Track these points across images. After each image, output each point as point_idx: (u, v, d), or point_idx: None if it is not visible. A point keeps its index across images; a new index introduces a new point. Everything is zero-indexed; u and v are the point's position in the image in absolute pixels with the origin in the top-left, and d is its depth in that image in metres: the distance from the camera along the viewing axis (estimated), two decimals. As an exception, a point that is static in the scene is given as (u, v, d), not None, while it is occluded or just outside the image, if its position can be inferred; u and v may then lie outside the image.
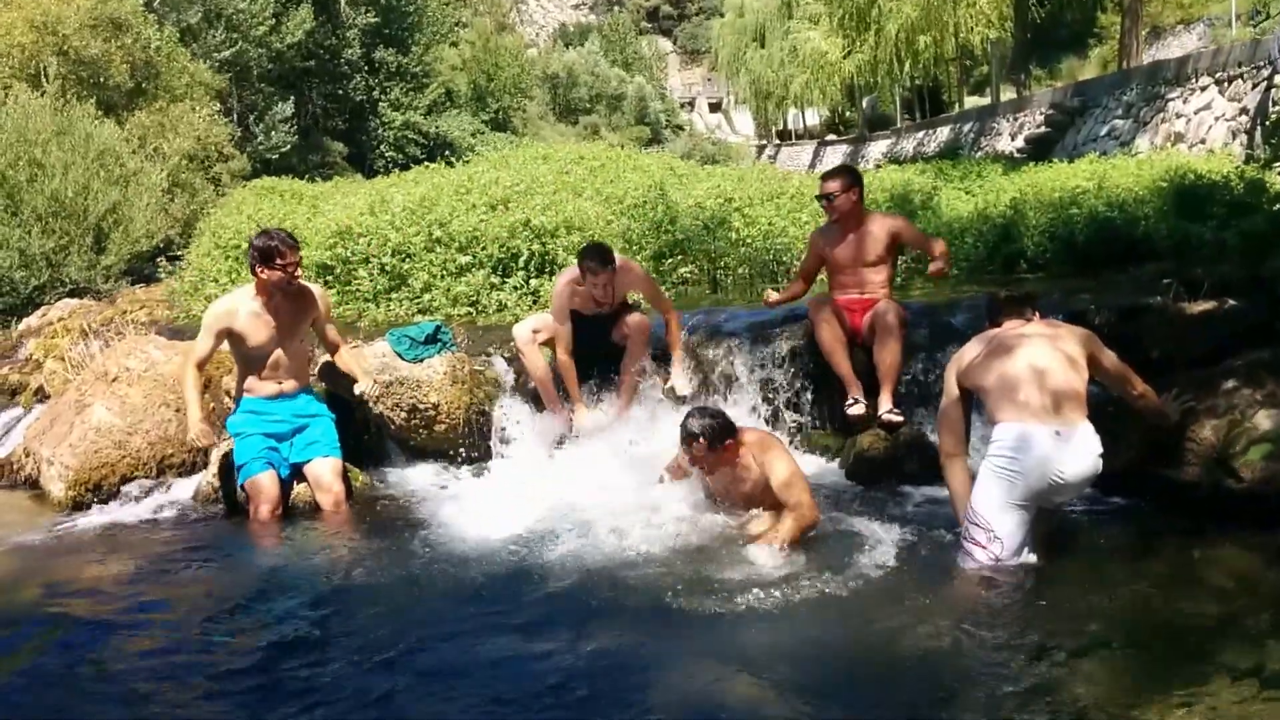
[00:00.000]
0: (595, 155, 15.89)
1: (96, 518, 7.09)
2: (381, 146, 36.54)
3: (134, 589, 5.70)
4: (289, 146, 29.09)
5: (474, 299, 9.65)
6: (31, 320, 12.14)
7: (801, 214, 11.86)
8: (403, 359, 7.62)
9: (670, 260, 10.52)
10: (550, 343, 7.60)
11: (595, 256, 7.24)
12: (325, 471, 6.98)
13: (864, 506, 6.40)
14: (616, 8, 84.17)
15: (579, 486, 6.45)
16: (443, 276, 9.93)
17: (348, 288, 10.13)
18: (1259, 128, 16.03)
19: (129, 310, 11.50)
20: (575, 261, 7.47)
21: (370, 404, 7.51)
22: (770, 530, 5.61)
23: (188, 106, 22.02)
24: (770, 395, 7.56)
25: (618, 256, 7.52)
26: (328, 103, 35.78)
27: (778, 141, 62.67)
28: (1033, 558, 5.30)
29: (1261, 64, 17.02)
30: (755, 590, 4.99)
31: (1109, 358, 5.64)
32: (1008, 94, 34.19)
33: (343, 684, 4.28)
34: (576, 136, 45.88)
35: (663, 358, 7.66)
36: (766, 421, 7.47)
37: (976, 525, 5.32)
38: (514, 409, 7.73)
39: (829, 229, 7.75)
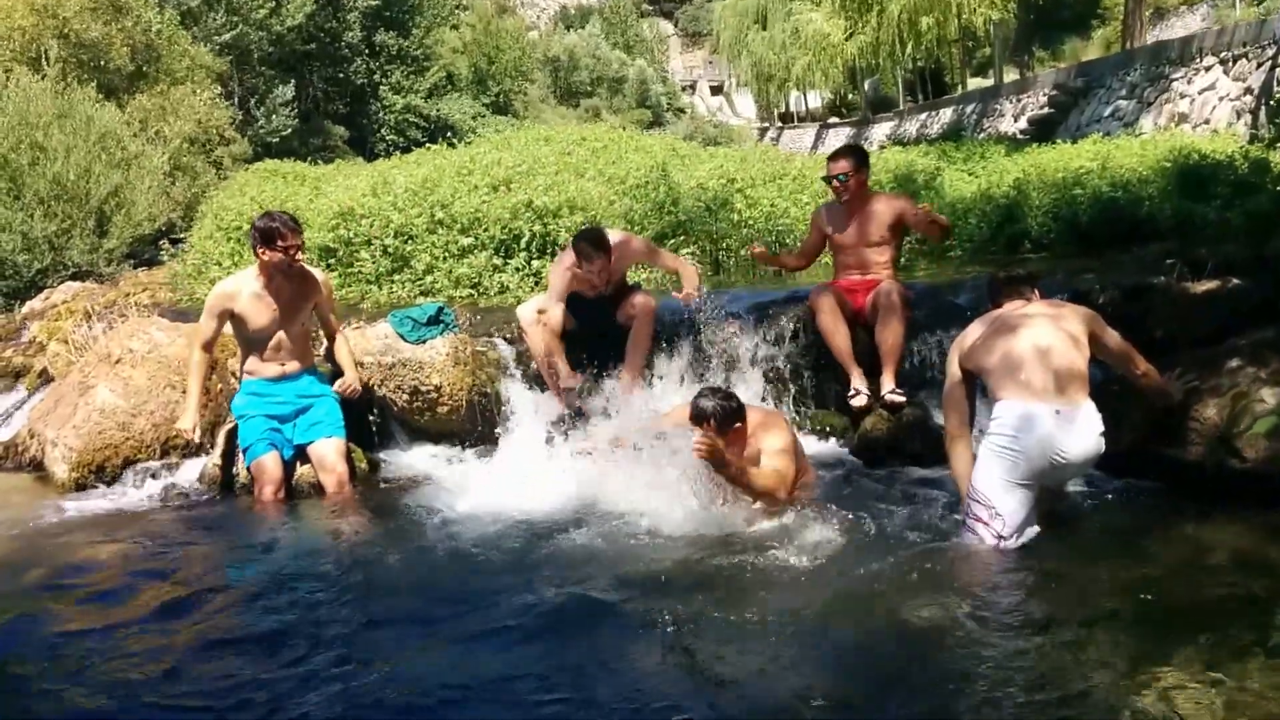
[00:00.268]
0: (597, 136, 15.87)
1: (100, 499, 7.11)
2: (382, 130, 36.49)
3: (137, 570, 5.71)
4: (290, 130, 29.06)
5: (476, 281, 9.64)
6: (34, 303, 12.14)
7: (803, 195, 11.86)
8: (405, 340, 7.63)
9: (672, 241, 10.51)
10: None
11: (589, 242, 7.23)
12: (329, 452, 6.99)
13: (867, 486, 6.41)
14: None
15: (582, 469, 6.44)
16: (445, 258, 9.92)
17: (350, 269, 10.12)
18: (1263, 107, 15.98)
19: (131, 293, 11.49)
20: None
21: (375, 387, 7.51)
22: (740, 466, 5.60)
23: (188, 90, 22.00)
24: (773, 376, 7.56)
25: (614, 234, 7.53)
26: (328, 86, 35.72)
27: (780, 124, 62.47)
28: (1035, 535, 5.31)
29: (1266, 43, 16.97)
30: (757, 569, 5.01)
31: (1112, 337, 5.63)
32: (1011, 75, 34.18)
33: (344, 666, 4.27)
34: (578, 119, 45.73)
35: (669, 339, 7.68)
36: (769, 403, 7.46)
37: (978, 503, 5.32)
38: (517, 391, 7.73)
39: (834, 207, 7.74)
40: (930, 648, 4.26)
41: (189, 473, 7.32)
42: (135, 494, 7.15)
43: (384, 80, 37.38)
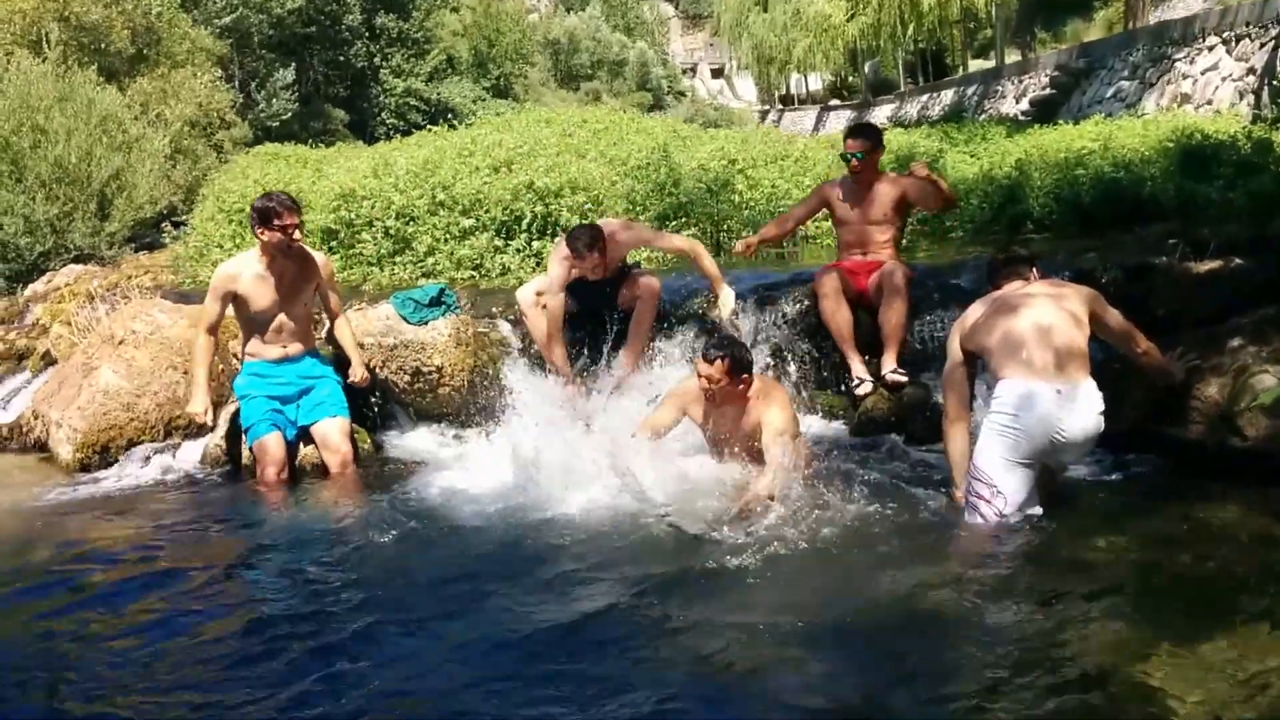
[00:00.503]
0: (599, 118, 15.85)
1: (104, 479, 7.13)
2: (383, 114, 36.43)
3: (141, 549, 5.73)
4: (290, 114, 29.01)
5: (477, 262, 9.64)
6: (37, 286, 12.15)
7: (805, 178, 11.84)
8: (407, 322, 7.64)
9: (673, 223, 10.50)
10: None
11: (580, 242, 7.18)
12: (333, 431, 7.00)
13: (868, 466, 6.41)
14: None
15: (585, 448, 6.43)
16: (446, 240, 9.91)
17: (351, 251, 10.12)
18: (1266, 87, 15.94)
19: (133, 275, 11.50)
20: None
21: (377, 368, 7.53)
22: (753, 492, 5.61)
23: (189, 73, 21.96)
24: (775, 357, 7.56)
25: (607, 223, 7.54)
26: (329, 69, 35.64)
27: (780, 107, 62.39)
28: (1037, 514, 5.32)
29: (1269, 23, 16.91)
30: (760, 548, 5.01)
31: (1113, 316, 5.64)
32: (1012, 57, 34.09)
33: (342, 650, 4.29)
34: (578, 103, 45.60)
35: (672, 316, 7.69)
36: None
37: (979, 481, 5.34)
38: (519, 372, 7.74)
39: (845, 184, 7.77)
40: (932, 625, 4.29)
41: (192, 453, 7.34)
42: (139, 474, 7.17)
43: (384, 64, 37.32)
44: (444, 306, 7.75)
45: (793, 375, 7.49)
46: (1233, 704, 3.43)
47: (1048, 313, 5.43)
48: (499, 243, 9.87)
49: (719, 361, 5.74)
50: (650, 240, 8.01)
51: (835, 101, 55.30)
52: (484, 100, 40.68)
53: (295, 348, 7.10)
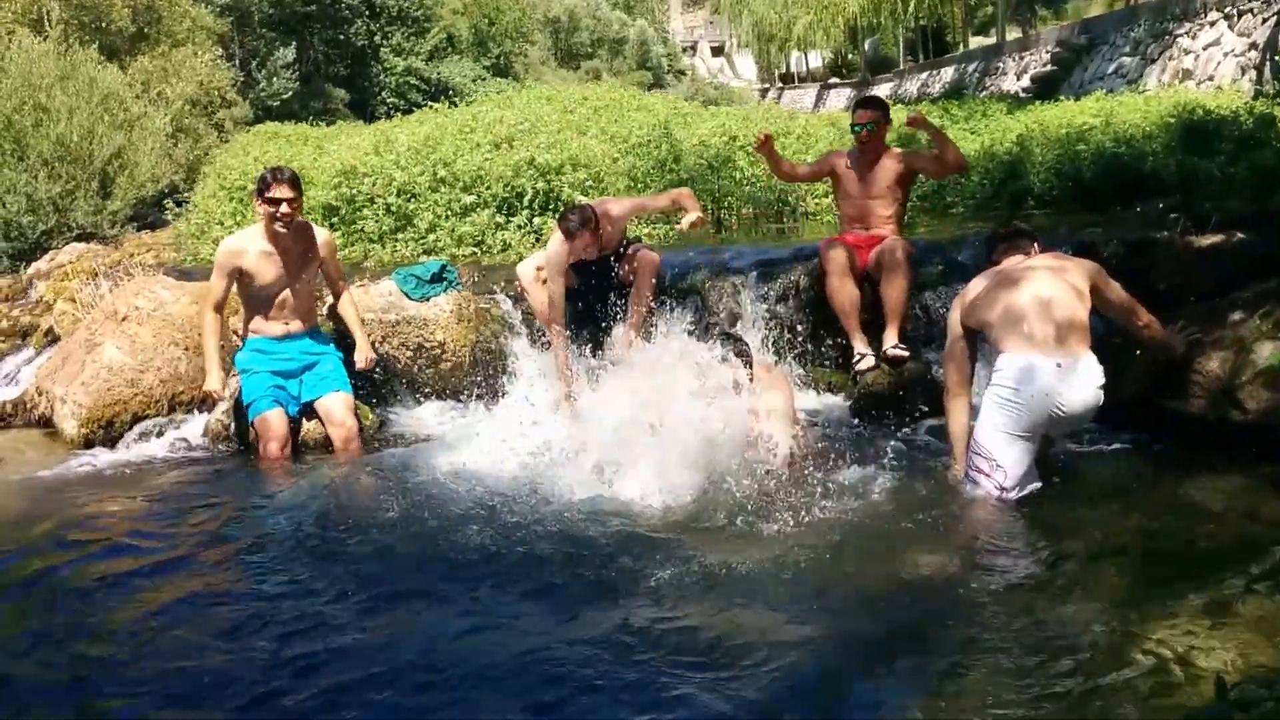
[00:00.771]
0: (599, 96, 15.85)
1: (108, 455, 7.14)
2: (383, 93, 36.27)
3: (144, 523, 5.75)
4: (291, 93, 28.87)
5: (479, 239, 9.65)
6: (40, 264, 12.15)
7: (807, 155, 11.85)
8: (409, 298, 7.66)
9: (675, 200, 10.51)
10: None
11: (569, 222, 7.21)
12: (337, 406, 7.01)
13: (869, 441, 6.43)
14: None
15: (586, 423, 6.45)
16: (447, 216, 9.92)
17: (353, 228, 10.13)
18: (1269, 63, 15.92)
19: (136, 254, 11.52)
20: None
21: (379, 344, 7.54)
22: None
23: (189, 52, 21.87)
24: (776, 332, 7.57)
25: (600, 202, 7.58)
26: (329, 48, 35.47)
27: (780, 85, 62.23)
28: (1037, 487, 5.35)
29: (1271, -1, 16.90)
30: (761, 523, 5.04)
31: (1115, 290, 5.66)
32: (1013, 34, 33.90)
33: (345, 623, 4.32)
34: (578, 81, 45.37)
35: (672, 292, 7.71)
36: (768, 357, 7.48)
37: (979, 455, 5.37)
38: (520, 347, 7.76)
39: (851, 155, 7.80)
40: (933, 598, 4.31)
41: (195, 428, 7.35)
42: (143, 449, 7.18)
43: (384, 42, 37.14)
44: (445, 283, 7.77)
45: (792, 350, 7.50)
46: (1236, 672, 3.45)
47: (1049, 286, 5.45)
48: (500, 219, 9.89)
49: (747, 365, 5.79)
50: (643, 205, 8.06)
51: (835, 79, 55.11)
52: (484, 79, 40.49)
53: (297, 325, 7.11)
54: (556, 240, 7.34)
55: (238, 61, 26.75)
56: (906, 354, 7.07)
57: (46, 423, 7.71)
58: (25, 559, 5.26)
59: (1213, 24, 18.24)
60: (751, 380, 5.82)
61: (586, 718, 3.53)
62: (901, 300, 7.15)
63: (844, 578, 4.54)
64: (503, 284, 8.00)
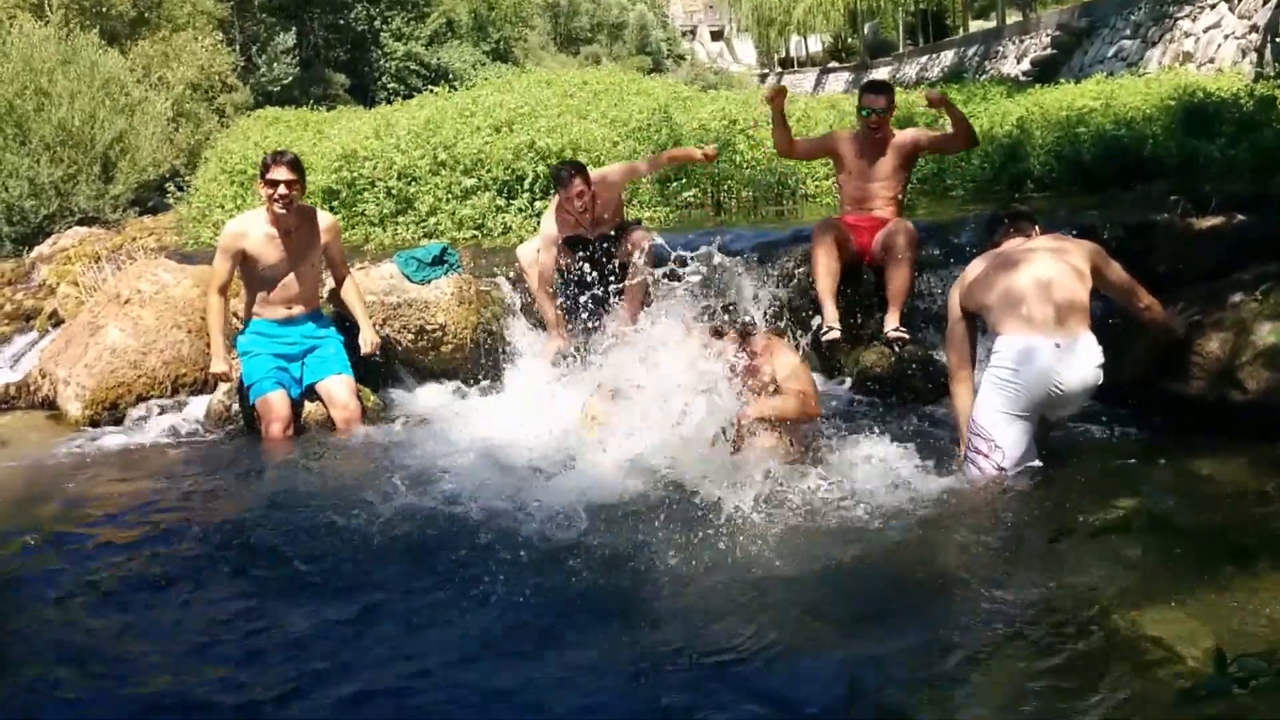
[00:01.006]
0: (599, 79, 15.83)
1: (112, 436, 7.17)
2: (383, 78, 36.19)
3: (147, 504, 5.79)
4: (291, 78, 28.82)
5: (479, 222, 9.68)
6: (43, 248, 12.19)
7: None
8: (410, 280, 7.68)
9: (674, 184, 10.52)
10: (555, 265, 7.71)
11: (561, 170, 7.45)
12: (339, 388, 7.04)
13: (869, 422, 6.42)
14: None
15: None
16: (448, 199, 9.95)
17: (354, 211, 10.15)
18: (1269, 45, 15.90)
19: (138, 237, 11.55)
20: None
21: (380, 326, 7.57)
22: (762, 401, 5.63)
23: (190, 36, 21.85)
24: (776, 314, 7.58)
25: (593, 171, 7.64)
26: (329, 33, 35.40)
27: (779, 70, 62.07)
28: (1036, 466, 5.37)
29: (1272, -19, 16.87)
30: (761, 505, 5.04)
31: (1115, 271, 5.66)
32: (1013, 17, 33.80)
33: (344, 605, 4.33)
34: (578, 66, 45.28)
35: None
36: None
37: (978, 436, 5.38)
38: (521, 329, 7.79)
39: (857, 137, 7.75)
40: (933, 581, 4.32)
41: (198, 410, 7.39)
42: (146, 431, 7.21)
43: (384, 27, 37.06)
44: (446, 265, 7.79)
45: (790, 332, 7.51)
46: (1236, 647, 3.47)
47: (1048, 267, 5.46)
48: (500, 202, 9.92)
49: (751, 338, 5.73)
50: (636, 168, 8.12)
51: (834, 64, 54.99)
52: (484, 64, 40.42)
53: (300, 308, 7.13)
54: (552, 212, 7.41)
55: (238, 46, 26.71)
56: (907, 336, 7.09)
57: (50, 405, 7.74)
58: (27, 538, 5.27)
59: (1213, 6, 18.20)
60: (750, 354, 5.78)
61: (585, 711, 3.51)
62: (904, 284, 7.17)
63: (841, 559, 4.53)
64: (503, 266, 8.02)
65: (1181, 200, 7.07)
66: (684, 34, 75.32)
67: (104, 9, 20.15)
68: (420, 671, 3.79)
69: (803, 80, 54.06)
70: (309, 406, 7.13)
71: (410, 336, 7.61)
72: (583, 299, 7.24)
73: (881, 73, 41.69)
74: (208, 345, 7.40)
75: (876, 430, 5.99)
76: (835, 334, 7.16)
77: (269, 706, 3.59)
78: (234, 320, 7.44)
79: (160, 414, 7.35)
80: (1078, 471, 5.43)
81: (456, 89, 16.17)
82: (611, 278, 7.45)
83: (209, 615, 4.32)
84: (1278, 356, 5.58)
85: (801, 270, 7.69)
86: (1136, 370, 6.07)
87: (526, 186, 9.96)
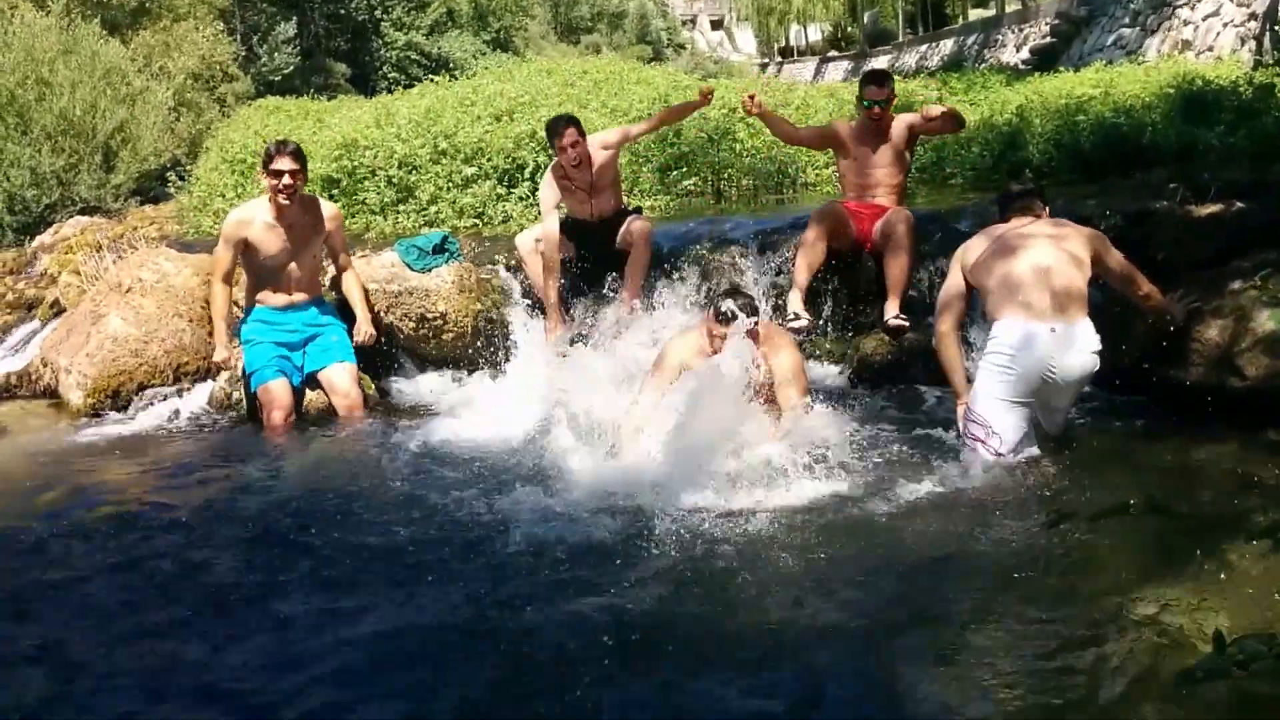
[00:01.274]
0: (599, 69, 15.80)
1: (113, 424, 7.21)
2: (384, 68, 36.16)
3: (149, 491, 5.83)
4: (292, 68, 28.80)
5: (480, 210, 9.69)
6: (44, 237, 12.18)
7: (806, 125, 11.82)
8: (411, 269, 7.70)
9: (675, 173, 10.52)
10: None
11: (555, 123, 7.58)
12: (341, 376, 7.07)
13: (868, 410, 6.47)
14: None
15: (586, 392, 6.45)
16: (449, 188, 9.95)
17: (354, 200, 10.15)
18: (1268, 33, 15.90)
19: (139, 226, 11.56)
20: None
21: (381, 314, 7.59)
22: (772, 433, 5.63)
23: (191, 26, 21.82)
24: (776, 302, 7.60)
25: (589, 136, 7.71)
26: (330, 23, 35.36)
27: (779, 59, 62.04)
28: (1034, 453, 5.39)
29: (1272, -31, 16.84)
30: (759, 494, 5.06)
31: (1115, 258, 5.68)
32: (1013, 6, 33.76)
33: (344, 592, 4.36)
34: (578, 55, 45.22)
35: (668, 264, 7.76)
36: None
37: (975, 422, 5.41)
38: (521, 317, 7.81)
39: (859, 125, 7.76)
40: (932, 566, 4.33)
41: (200, 398, 7.42)
42: (148, 418, 7.25)
43: (385, 17, 37.02)
44: (447, 254, 7.81)
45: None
46: (1235, 630, 3.49)
47: (1047, 254, 5.48)
48: (501, 190, 9.93)
49: (748, 318, 5.59)
50: (629, 131, 8.17)
51: (833, 53, 54.96)
52: (484, 54, 40.38)
53: (301, 296, 7.16)
54: (546, 176, 7.68)
55: (239, 36, 26.70)
56: (907, 324, 7.09)
57: (52, 394, 7.77)
58: (28, 525, 5.30)
59: (1212, -7, 18.20)
60: (757, 340, 5.76)
61: (586, 703, 3.49)
62: (904, 273, 7.16)
63: (841, 548, 4.54)
64: (504, 255, 8.04)
65: (1180, 188, 7.06)
66: (684, 23, 75.23)
67: (105, -1, 20.13)
68: (415, 660, 3.82)
69: (802, 70, 54.05)
70: (310, 395, 7.17)
71: (411, 325, 7.64)
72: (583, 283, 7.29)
73: (881, 61, 41.63)
74: (209, 333, 7.45)
75: (875, 418, 6.01)
76: (802, 323, 7.15)
77: (265, 691, 3.63)
78: (236, 310, 7.46)
79: (162, 402, 7.39)
80: (1077, 457, 5.44)
81: (457, 78, 16.14)
82: (609, 263, 7.50)
83: (208, 604, 4.34)
84: (1277, 343, 5.60)
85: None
86: (1135, 357, 6.08)
87: (527, 175, 9.96)
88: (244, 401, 7.24)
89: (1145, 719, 3.17)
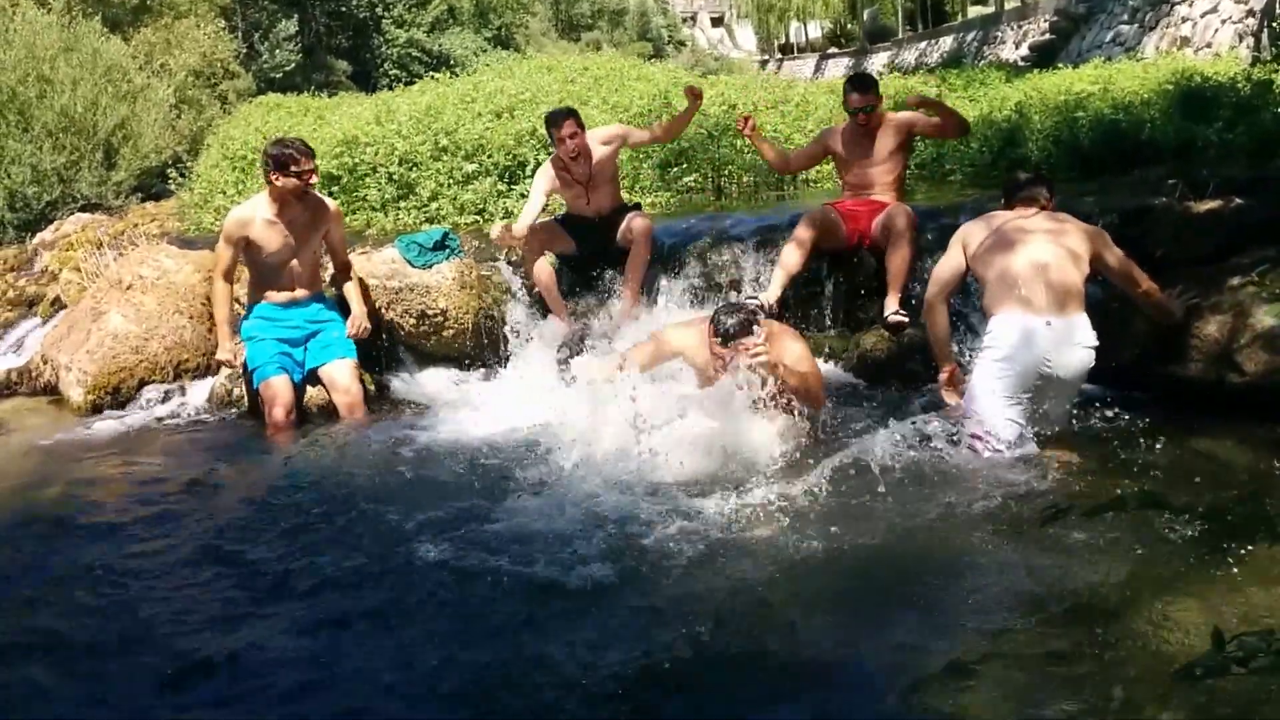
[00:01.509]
0: (600, 65, 15.81)
1: (113, 421, 7.23)
2: (385, 65, 36.15)
3: (147, 489, 5.84)
4: (293, 65, 28.79)
5: (481, 207, 9.71)
6: (45, 234, 12.19)
7: (806, 122, 11.82)
8: (412, 265, 7.70)
9: (675, 169, 10.54)
10: (553, 250, 7.74)
11: (555, 113, 7.60)
12: (342, 373, 7.08)
13: (867, 405, 6.47)
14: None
15: (586, 389, 6.43)
16: (449, 185, 9.97)
17: (355, 196, 10.17)
18: (1266, 29, 15.91)
19: (140, 223, 11.56)
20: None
21: (382, 311, 7.60)
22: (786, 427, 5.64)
23: (192, 23, 21.81)
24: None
25: (589, 131, 7.71)
26: (331, 20, 35.36)
27: (780, 56, 62.03)
28: (1033, 450, 5.39)
29: (1269, -34, 16.85)
30: (759, 489, 5.05)
31: (1115, 255, 5.69)
32: (1012, 3, 33.76)
33: (344, 589, 4.37)
34: (579, 52, 45.02)
35: (667, 261, 7.77)
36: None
37: (974, 420, 5.42)
38: (522, 314, 7.82)
39: (849, 128, 7.75)
40: (929, 562, 4.34)
41: (201, 394, 7.44)
42: (149, 415, 7.27)
43: (386, 14, 37.02)
44: (448, 250, 7.82)
45: (790, 316, 7.54)
46: (1234, 627, 3.50)
47: (1045, 250, 5.49)
48: (502, 187, 9.95)
49: (749, 338, 5.48)
50: (630, 133, 8.11)
51: (833, 50, 54.94)
52: (485, 51, 40.36)
53: (302, 292, 7.16)
54: (544, 166, 7.71)
55: (240, 33, 26.69)
56: (907, 320, 7.10)
57: (52, 390, 7.78)
58: (28, 522, 5.32)
59: (1210, -10, 18.21)
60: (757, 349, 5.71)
61: (587, 702, 3.50)
62: (904, 268, 7.16)
63: (839, 544, 4.55)
64: (504, 251, 8.05)
65: (1179, 184, 7.07)
66: (684, 20, 75.23)
67: (106, -4, 20.12)
68: (416, 656, 3.83)
69: (802, 67, 54.04)
70: (311, 391, 7.17)
71: (411, 321, 7.64)
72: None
73: (880, 58, 41.67)
74: (209, 330, 7.47)
75: (874, 413, 6.02)
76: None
77: (265, 689, 3.64)
78: (237, 307, 7.47)
79: (163, 399, 7.41)
80: (1076, 454, 5.44)
81: (458, 75, 16.16)
82: (610, 260, 7.51)
83: (209, 600, 4.36)
84: (1275, 339, 5.61)
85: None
86: (1134, 353, 6.10)
87: (528, 172, 9.96)
88: (245, 398, 7.26)
89: (1145, 716, 3.17)
